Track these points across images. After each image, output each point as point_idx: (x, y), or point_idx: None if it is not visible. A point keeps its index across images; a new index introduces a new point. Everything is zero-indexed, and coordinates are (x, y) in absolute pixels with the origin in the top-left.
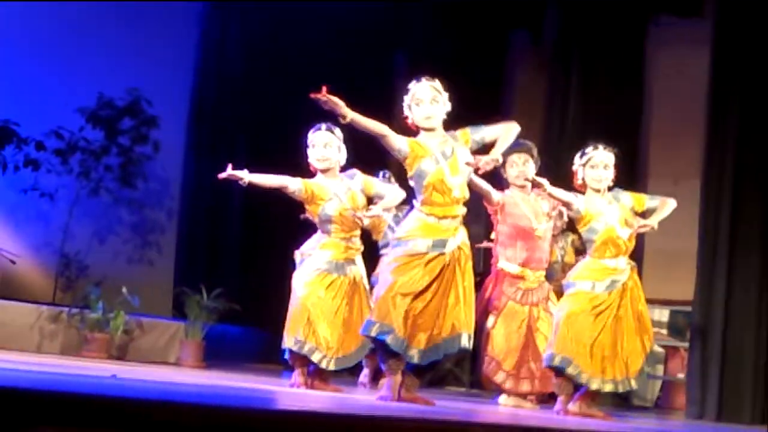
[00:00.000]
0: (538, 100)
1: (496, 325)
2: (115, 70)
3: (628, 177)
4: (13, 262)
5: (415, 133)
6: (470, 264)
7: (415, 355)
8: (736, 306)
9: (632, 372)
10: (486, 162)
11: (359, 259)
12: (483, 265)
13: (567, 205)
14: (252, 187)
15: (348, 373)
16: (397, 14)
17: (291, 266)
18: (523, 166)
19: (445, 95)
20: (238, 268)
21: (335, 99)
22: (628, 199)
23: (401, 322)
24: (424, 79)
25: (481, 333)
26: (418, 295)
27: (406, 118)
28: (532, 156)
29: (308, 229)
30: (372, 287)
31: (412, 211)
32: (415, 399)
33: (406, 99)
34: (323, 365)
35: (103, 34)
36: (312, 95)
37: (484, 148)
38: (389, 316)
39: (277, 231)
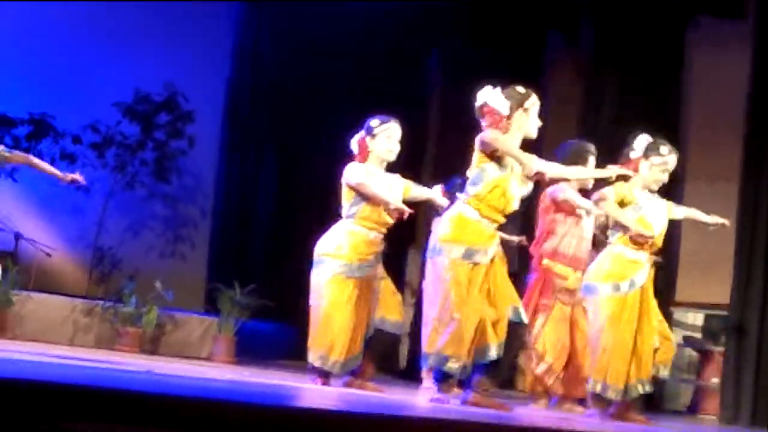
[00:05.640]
0: (574, 101)
1: (546, 328)
2: (151, 66)
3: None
4: (48, 255)
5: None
6: (504, 268)
7: (468, 368)
8: None
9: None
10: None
11: (379, 258)
12: (518, 265)
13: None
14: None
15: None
16: (431, 15)
17: None
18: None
19: None
20: (271, 264)
21: None
22: (663, 204)
23: (467, 349)
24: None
25: (530, 333)
26: (473, 319)
27: (499, 115)
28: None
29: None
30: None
31: (455, 203)
32: (490, 404)
33: (521, 101)
34: (335, 371)
35: (140, 30)
36: None
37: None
38: (461, 348)
39: (310, 227)
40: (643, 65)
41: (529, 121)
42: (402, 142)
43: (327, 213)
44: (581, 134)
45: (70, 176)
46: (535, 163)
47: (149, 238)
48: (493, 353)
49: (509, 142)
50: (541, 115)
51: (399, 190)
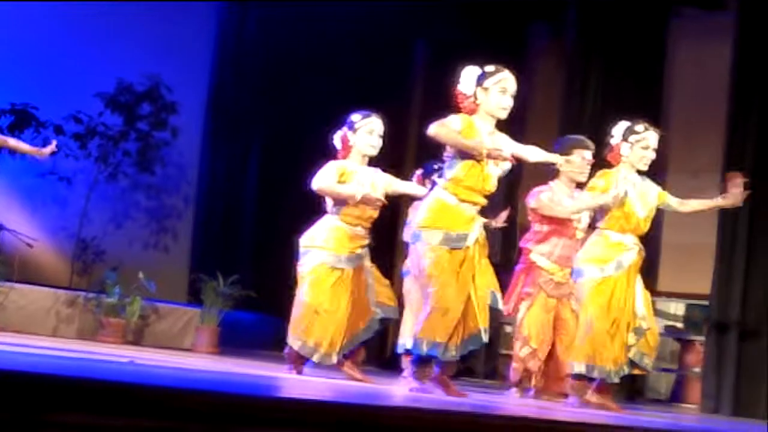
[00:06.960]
0: (557, 92)
1: (529, 314)
2: (134, 56)
3: (648, 170)
4: (31, 246)
5: (461, 111)
6: (485, 253)
7: (453, 352)
8: (753, 300)
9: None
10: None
11: (365, 251)
12: (501, 256)
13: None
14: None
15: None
16: (418, 4)
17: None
18: (587, 164)
19: None
20: (254, 254)
21: None
22: (654, 190)
23: (449, 333)
24: (507, 71)
25: (513, 322)
26: (455, 303)
27: (466, 97)
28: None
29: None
30: (402, 277)
31: (434, 189)
32: (450, 388)
33: (483, 80)
34: (323, 362)
35: (123, 20)
36: None
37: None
38: (437, 331)
39: (293, 218)
40: (626, 56)
41: (489, 100)
42: (385, 130)
43: (310, 204)
44: (564, 123)
45: (45, 150)
46: (483, 147)
47: (132, 229)
48: (484, 338)
49: (447, 131)
50: (524, 103)
51: (382, 185)
